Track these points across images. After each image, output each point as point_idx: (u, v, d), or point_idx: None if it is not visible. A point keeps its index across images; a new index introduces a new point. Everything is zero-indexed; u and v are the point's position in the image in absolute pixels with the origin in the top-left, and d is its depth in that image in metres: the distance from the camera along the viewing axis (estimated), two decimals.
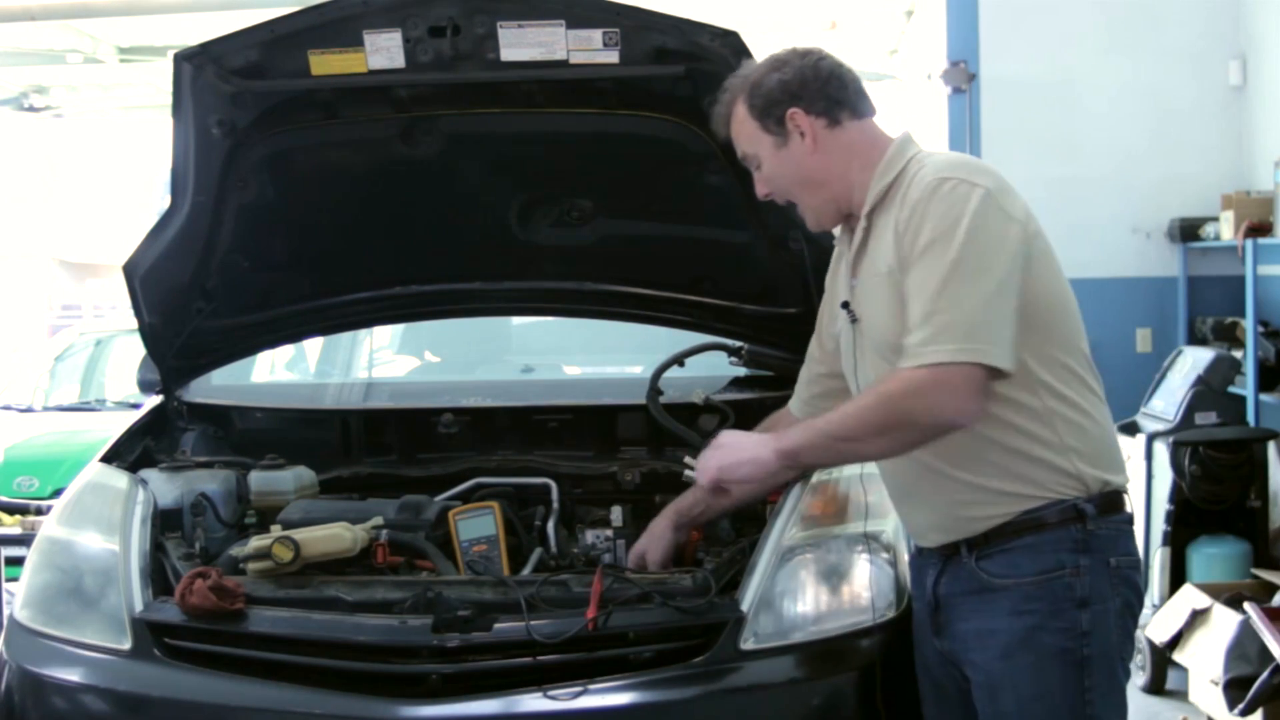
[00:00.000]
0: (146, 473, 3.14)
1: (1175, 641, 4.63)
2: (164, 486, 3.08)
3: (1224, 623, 4.37)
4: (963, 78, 6.71)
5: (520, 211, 3.42)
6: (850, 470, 2.76)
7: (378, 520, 2.89)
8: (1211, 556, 5.16)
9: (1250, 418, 5.58)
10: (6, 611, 3.20)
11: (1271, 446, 5.24)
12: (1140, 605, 2.43)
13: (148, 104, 14.72)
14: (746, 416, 3.12)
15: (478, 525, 2.90)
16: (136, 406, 4.00)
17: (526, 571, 2.90)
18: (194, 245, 3.20)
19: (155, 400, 3.54)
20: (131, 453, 3.27)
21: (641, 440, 3.50)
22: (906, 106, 9.90)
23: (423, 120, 3.17)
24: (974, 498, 2.35)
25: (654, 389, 3.29)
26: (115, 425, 3.57)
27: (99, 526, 2.90)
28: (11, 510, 4.88)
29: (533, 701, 2.47)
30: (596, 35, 2.86)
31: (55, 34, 11.01)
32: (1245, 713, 4.03)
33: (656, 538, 2.88)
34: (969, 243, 2.23)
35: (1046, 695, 2.32)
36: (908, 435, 2.31)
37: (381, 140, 3.21)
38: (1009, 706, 2.34)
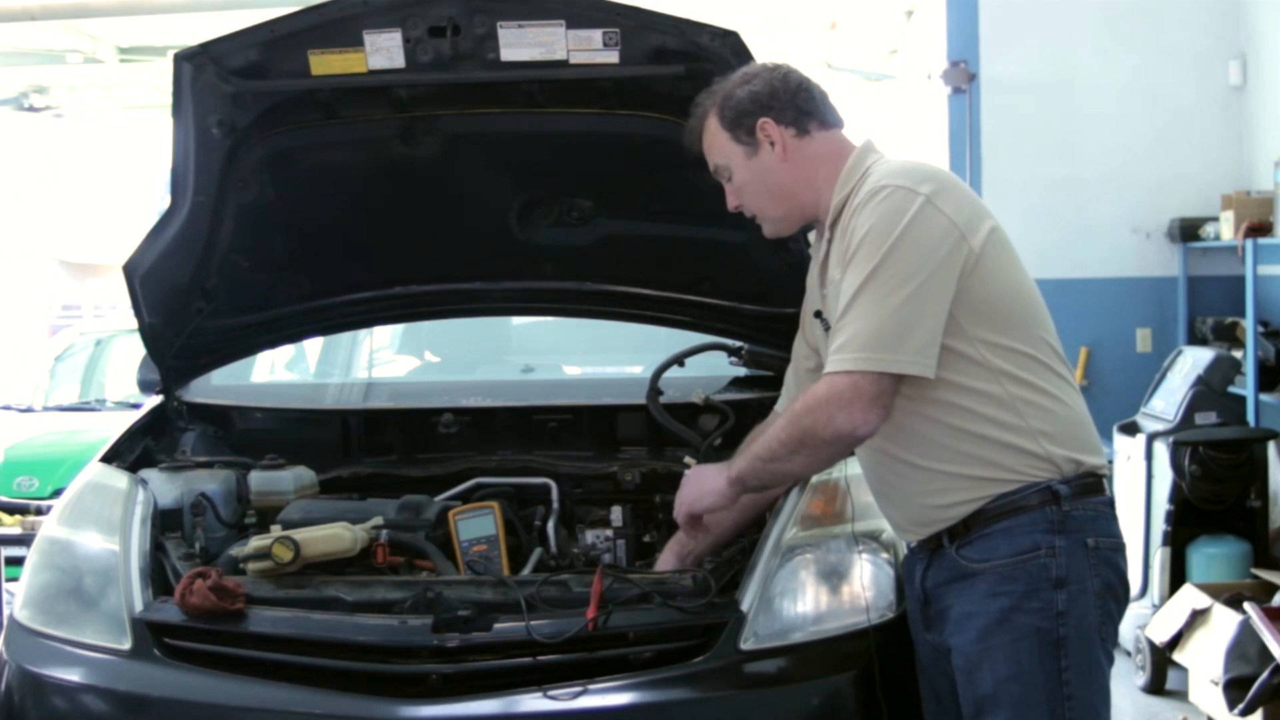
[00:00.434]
0: (146, 473, 3.14)
1: (1175, 641, 4.63)
2: (164, 486, 3.09)
3: (1224, 623, 4.37)
4: (963, 78, 6.71)
5: (520, 211, 3.42)
6: (850, 470, 2.77)
7: (378, 520, 2.90)
8: (1211, 556, 5.16)
9: (1250, 418, 5.58)
10: (6, 611, 3.20)
11: (1271, 446, 5.24)
12: (1125, 587, 2.44)
13: (148, 104, 14.72)
14: (746, 416, 3.13)
15: (478, 525, 2.90)
16: (136, 406, 4.00)
17: (526, 571, 2.90)
18: (194, 245, 3.20)
19: (155, 400, 3.54)
20: (131, 453, 3.27)
21: (641, 440, 3.50)
22: (906, 106, 9.89)
23: (422, 120, 3.17)
24: (944, 485, 2.39)
25: (654, 389, 3.29)
26: (115, 425, 3.57)
27: (99, 526, 2.90)
28: (11, 510, 4.88)
29: (533, 701, 2.47)
30: (596, 35, 2.86)
31: (55, 34, 11.00)
32: (1245, 713, 4.03)
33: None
34: (892, 252, 2.30)
35: (1023, 675, 2.33)
36: (818, 451, 2.41)
37: (381, 140, 3.21)
38: (986, 687, 2.35)
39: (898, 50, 10.77)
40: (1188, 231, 6.36)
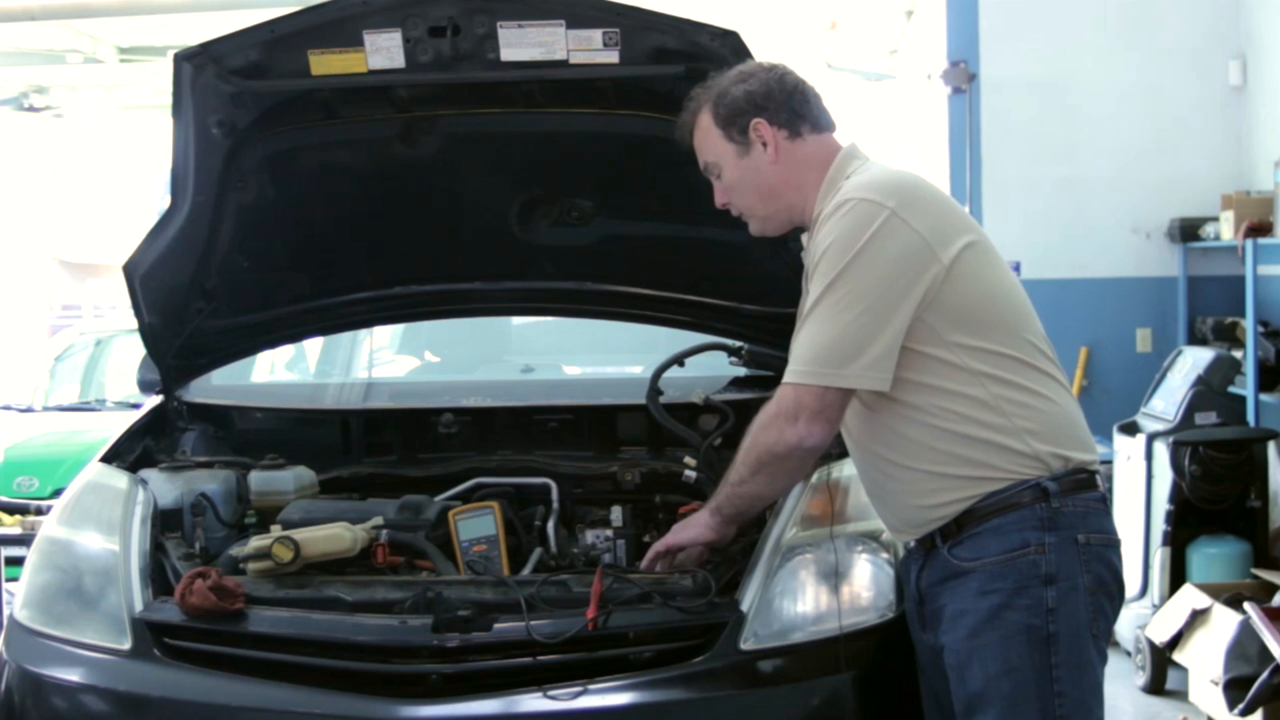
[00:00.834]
0: (146, 473, 3.14)
1: (1175, 641, 4.63)
2: (164, 486, 3.08)
3: (1224, 623, 4.37)
4: (963, 78, 6.71)
5: (520, 211, 3.42)
6: (850, 470, 2.77)
7: (378, 520, 2.90)
8: (1211, 556, 5.16)
9: (1250, 418, 5.58)
10: (6, 611, 3.20)
11: (1271, 446, 5.24)
12: (1119, 583, 2.43)
13: (148, 104, 14.72)
14: (746, 416, 3.12)
15: (478, 525, 2.90)
16: (136, 406, 4.00)
17: (526, 571, 2.90)
18: (194, 245, 3.20)
19: (155, 400, 3.54)
20: (131, 453, 3.27)
21: (641, 440, 3.50)
22: (906, 106, 9.90)
23: (423, 120, 3.17)
24: (932, 486, 2.39)
25: (654, 389, 3.29)
26: (115, 425, 3.57)
27: (99, 526, 2.90)
28: (11, 510, 4.88)
29: (533, 701, 2.47)
30: (596, 35, 2.86)
31: (55, 34, 11.01)
32: (1245, 713, 4.03)
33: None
34: (851, 265, 2.32)
35: (1013, 671, 2.33)
36: (776, 466, 2.47)
37: (381, 140, 3.21)
38: (976, 684, 2.36)
39: (898, 50, 10.78)
40: (1188, 231, 6.36)
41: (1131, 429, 5.56)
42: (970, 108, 6.72)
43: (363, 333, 4.25)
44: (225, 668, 2.59)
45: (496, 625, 2.56)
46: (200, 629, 2.62)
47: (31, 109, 14.16)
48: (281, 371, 4.77)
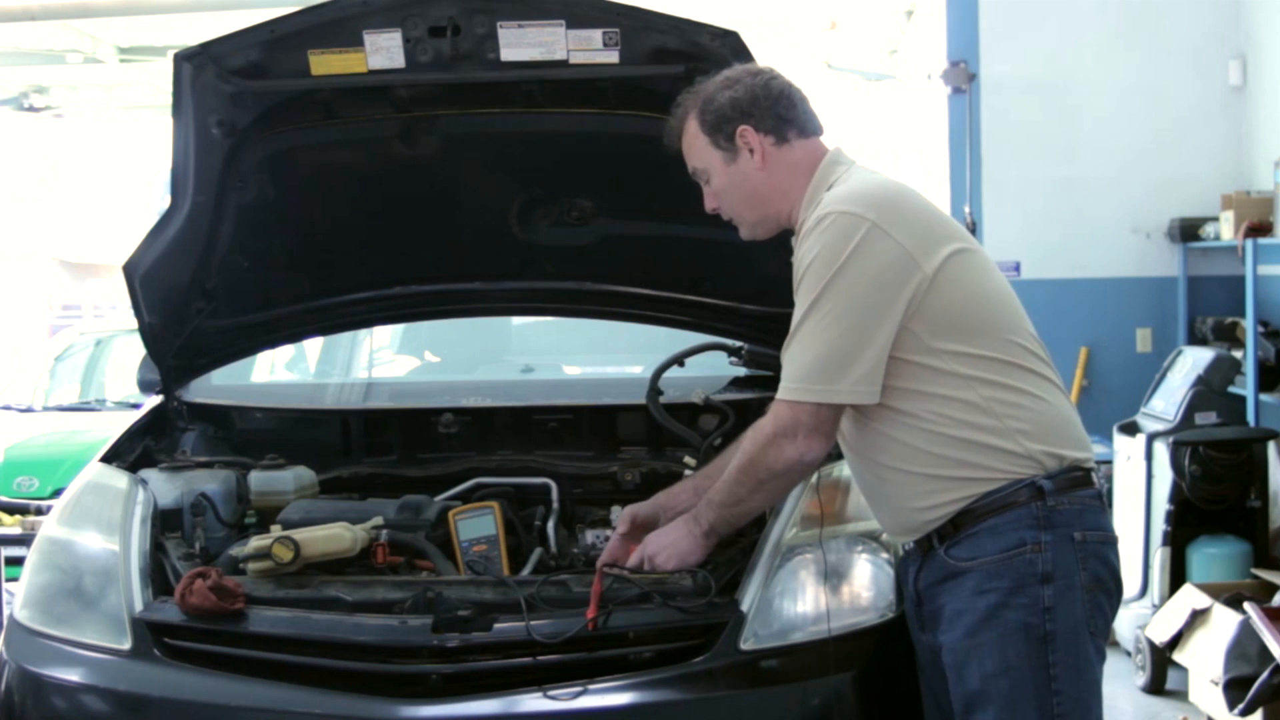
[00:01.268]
0: (146, 473, 3.14)
1: (1175, 641, 4.63)
2: (164, 486, 3.08)
3: (1224, 623, 4.37)
4: (963, 78, 6.71)
5: (520, 211, 3.42)
6: (849, 470, 2.77)
7: (378, 520, 2.90)
8: (1211, 556, 5.15)
9: (1250, 418, 5.58)
10: (6, 611, 3.20)
11: (1271, 446, 5.24)
12: (1116, 580, 2.44)
13: (148, 104, 14.71)
14: (746, 416, 3.12)
15: (478, 525, 2.90)
16: (136, 406, 4.00)
17: (526, 571, 2.90)
18: (194, 245, 3.20)
19: (155, 400, 3.54)
20: (131, 453, 3.27)
21: (641, 440, 3.50)
22: (906, 106, 9.90)
23: (422, 120, 3.17)
24: (926, 488, 2.40)
25: (654, 389, 3.29)
26: (115, 425, 3.57)
27: (99, 526, 2.90)
28: (11, 510, 4.88)
29: (533, 701, 2.47)
30: (596, 35, 2.86)
31: (55, 34, 11.00)
32: (1245, 713, 4.03)
33: None
34: (835, 279, 2.33)
35: (1010, 670, 2.33)
36: (778, 482, 2.49)
37: (381, 140, 3.21)
38: (974, 683, 2.36)
39: (898, 50, 10.77)
40: (1188, 231, 6.36)
41: (1131, 429, 5.56)
42: (970, 108, 6.72)
43: (363, 333, 4.25)
44: (225, 668, 2.59)
45: (496, 625, 2.56)
46: (200, 629, 2.62)
47: (31, 109, 14.16)
48: (281, 371, 4.77)
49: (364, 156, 3.28)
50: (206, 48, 2.93)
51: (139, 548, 2.83)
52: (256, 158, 3.19)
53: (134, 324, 3.28)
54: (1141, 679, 5.15)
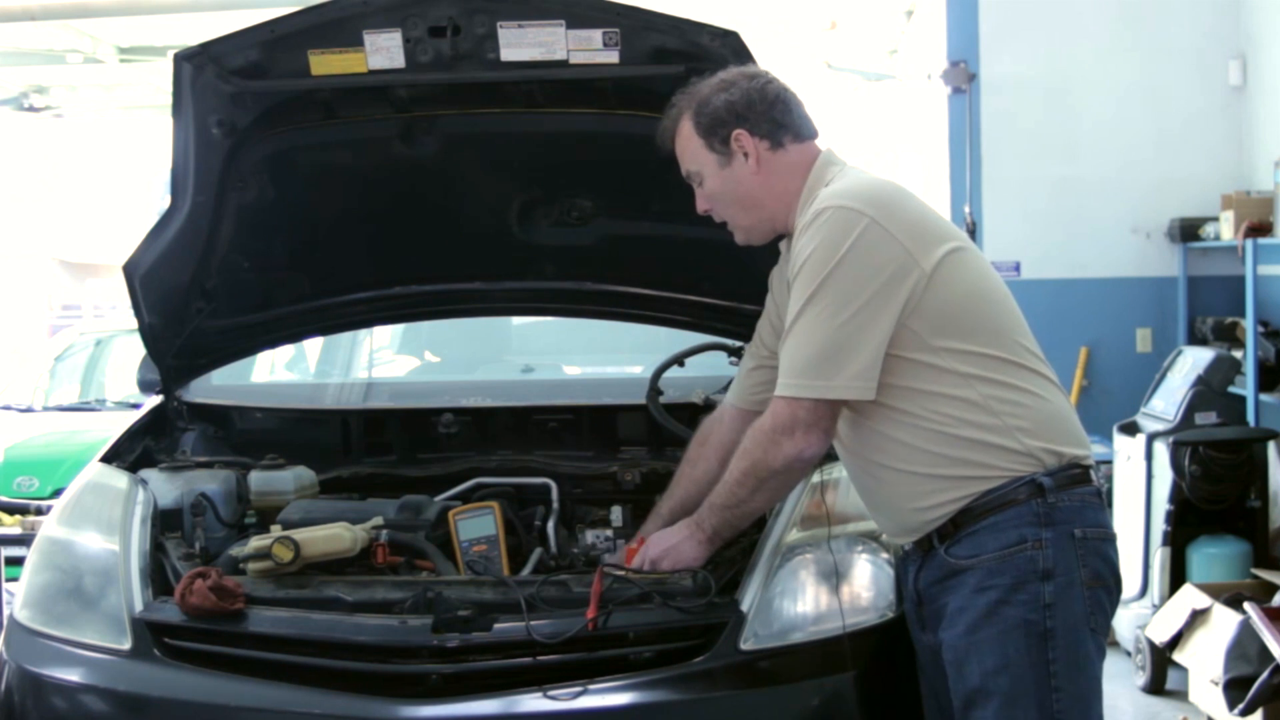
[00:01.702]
0: (146, 473, 3.14)
1: (1175, 641, 4.63)
2: (164, 486, 3.08)
3: (1224, 623, 4.37)
4: (963, 78, 6.71)
5: (520, 211, 3.42)
6: (847, 473, 2.77)
7: (378, 520, 2.89)
8: (1211, 556, 5.16)
9: (1250, 418, 5.58)
10: (6, 611, 3.20)
11: (1271, 446, 5.24)
12: (1116, 577, 2.44)
13: (148, 104, 14.71)
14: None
15: (478, 525, 2.90)
16: (136, 406, 4.00)
17: (526, 571, 2.90)
18: (194, 245, 3.20)
19: (155, 400, 3.54)
20: (131, 453, 3.27)
21: (641, 440, 3.50)
22: (906, 106, 9.89)
23: (422, 120, 3.17)
24: (925, 487, 2.40)
25: (654, 389, 3.29)
26: (115, 425, 3.57)
27: (99, 526, 2.90)
28: (11, 510, 4.88)
29: (533, 701, 2.47)
30: (596, 35, 2.86)
31: (55, 34, 11.00)
32: (1245, 713, 4.03)
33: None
34: (832, 275, 2.33)
35: (1010, 667, 2.33)
36: (778, 480, 2.49)
37: (381, 140, 3.21)
38: (974, 680, 2.36)
39: (898, 50, 10.77)
40: (1188, 231, 6.36)
41: (1131, 429, 5.56)
42: (970, 108, 6.72)
43: (363, 333, 4.25)
44: (225, 668, 2.59)
45: (496, 625, 2.56)
46: (200, 629, 2.62)
47: (31, 109, 14.16)
48: (281, 371, 4.77)
49: (364, 156, 3.28)
50: (206, 48, 2.92)
51: (139, 548, 2.83)
52: (256, 158, 3.19)
53: (134, 324, 3.28)
54: (1141, 679, 5.15)
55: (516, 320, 4.65)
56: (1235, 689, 4.09)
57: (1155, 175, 6.58)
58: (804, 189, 2.50)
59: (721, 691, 2.54)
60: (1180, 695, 4.82)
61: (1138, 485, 5.38)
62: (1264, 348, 5.67)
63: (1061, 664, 2.33)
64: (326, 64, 2.92)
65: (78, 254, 20.87)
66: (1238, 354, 5.67)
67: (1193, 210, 6.42)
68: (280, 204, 3.29)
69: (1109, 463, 5.60)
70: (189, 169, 3.06)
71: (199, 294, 3.33)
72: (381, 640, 2.56)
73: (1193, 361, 5.45)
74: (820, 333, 2.34)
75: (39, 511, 4.70)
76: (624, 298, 3.57)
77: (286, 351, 4.70)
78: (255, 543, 2.75)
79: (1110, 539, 2.44)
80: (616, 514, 3.15)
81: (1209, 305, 6.47)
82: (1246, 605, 4.22)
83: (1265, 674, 4.00)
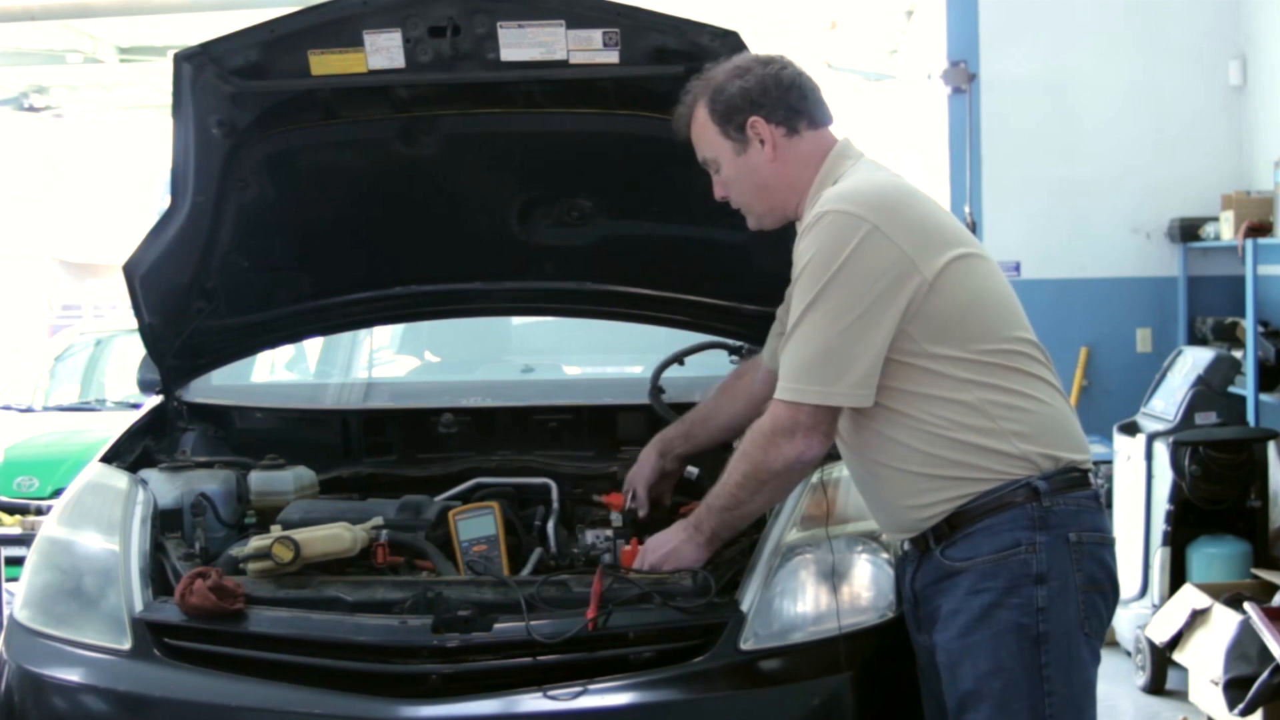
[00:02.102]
0: (146, 473, 3.14)
1: (1175, 641, 4.63)
2: (164, 486, 3.08)
3: (1224, 623, 4.37)
4: (963, 78, 6.71)
5: (520, 211, 3.42)
6: (848, 468, 2.77)
7: (378, 520, 2.89)
8: (1211, 556, 5.16)
9: (1250, 418, 5.58)
10: (6, 611, 3.20)
11: (1271, 446, 5.24)
12: (1112, 581, 2.43)
13: (148, 104, 14.72)
14: None
15: (478, 525, 2.90)
16: (136, 406, 4.00)
17: (526, 571, 2.90)
18: (194, 245, 3.20)
19: (155, 400, 3.54)
20: (131, 453, 3.27)
21: (641, 440, 3.48)
22: (906, 106, 9.89)
23: (422, 120, 3.17)
24: (919, 487, 2.40)
25: (656, 386, 3.29)
26: (115, 425, 3.57)
27: (99, 526, 2.90)
28: (11, 510, 4.89)
29: (533, 701, 2.46)
30: (596, 35, 2.86)
31: (55, 34, 11.00)
32: (1245, 713, 4.03)
33: (643, 465, 3.06)
34: (833, 281, 2.32)
35: (1003, 670, 2.33)
36: (778, 482, 2.50)
37: (381, 140, 3.21)
38: (968, 683, 2.36)
39: (898, 50, 10.78)
40: (1188, 231, 6.36)
41: (1131, 429, 5.56)
42: (970, 108, 6.72)
43: (363, 333, 4.25)
44: (225, 668, 2.59)
45: (496, 625, 2.56)
46: (200, 629, 2.62)
47: (31, 109, 14.16)
48: (281, 371, 4.77)
49: (364, 157, 3.28)
50: (206, 48, 2.92)
51: (139, 548, 2.83)
52: (256, 158, 3.19)
53: (134, 324, 3.28)
54: (1141, 679, 5.15)
55: (516, 320, 4.65)
56: (1235, 689, 4.09)
57: (1155, 175, 6.58)
58: (816, 180, 2.49)
59: (721, 691, 2.54)
60: (1180, 695, 4.82)
61: (1138, 485, 5.38)
62: (1264, 348, 5.68)
63: (1054, 668, 2.33)
64: (326, 64, 2.92)
65: (78, 254, 20.88)
66: (1238, 354, 5.67)
67: (1193, 210, 6.42)
68: (280, 204, 3.29)
69: (1109, 463, 5.60)
70: (189, 169, 3.06)
71: (199, 294, 3.33)
72: (381, 640, 2.56)
73: (1193, 361, 5.45)
74: (820, 339, 2.34)
75: (39, 511, 4.71)
76: (624, 298, 3.57)
77: (286, 351, 4.70)
78: (255, 543, 2.75)
79: (1107, 543, 2.43)
80: (616, 514, 3.15)
81: (1209, 305, 6.47)
82: (1246, 605, 4.22)
83: (1265, 674, 4.00)
